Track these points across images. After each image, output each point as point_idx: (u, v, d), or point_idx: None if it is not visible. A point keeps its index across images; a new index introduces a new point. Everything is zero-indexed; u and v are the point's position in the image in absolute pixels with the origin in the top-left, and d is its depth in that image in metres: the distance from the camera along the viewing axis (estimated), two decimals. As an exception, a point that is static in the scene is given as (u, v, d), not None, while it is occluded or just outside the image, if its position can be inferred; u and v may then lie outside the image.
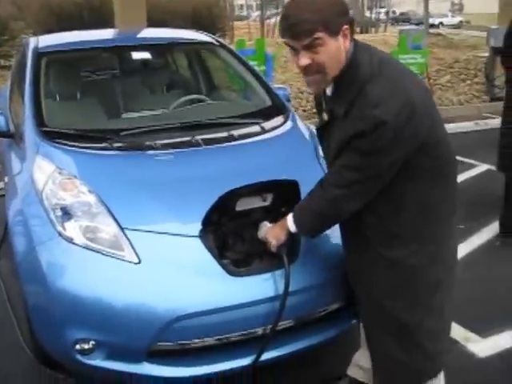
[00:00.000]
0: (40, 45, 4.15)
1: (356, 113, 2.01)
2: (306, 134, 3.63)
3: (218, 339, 2.59)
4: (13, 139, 3.61)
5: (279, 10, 29.39)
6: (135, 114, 4.00)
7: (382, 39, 17.64)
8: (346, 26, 2.02)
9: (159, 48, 4.80)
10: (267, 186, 2.68)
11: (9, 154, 3.60)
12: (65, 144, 3.21)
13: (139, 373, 2.53)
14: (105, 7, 12.30)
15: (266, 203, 2.70)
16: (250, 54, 7.86)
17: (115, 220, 2.67)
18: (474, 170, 6.65)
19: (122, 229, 2.64)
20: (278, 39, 15.19)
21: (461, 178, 6.11)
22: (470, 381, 3.09)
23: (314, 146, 3.37)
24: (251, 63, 4.99)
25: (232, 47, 5.29)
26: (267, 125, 3.63)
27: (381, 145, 1.97)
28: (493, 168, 5.32)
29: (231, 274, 2.57)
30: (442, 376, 2.36)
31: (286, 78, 11.42)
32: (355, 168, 2.06)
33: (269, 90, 4.14)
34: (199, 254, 2.59)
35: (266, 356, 2.60)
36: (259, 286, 2.58)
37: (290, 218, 2.38)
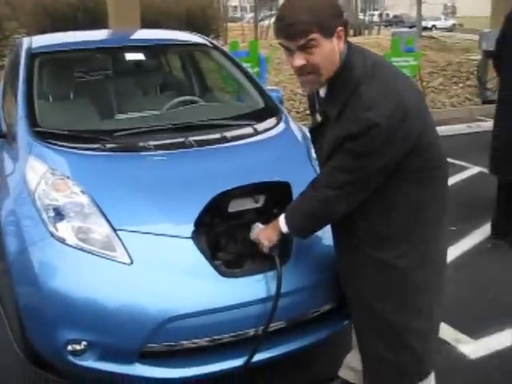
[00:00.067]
0: (33, 45, 4.14)
1: (349, 115, 2.02)
2: (299, 136, 3.64)
3: (210, 340, 2.59)
4: (5, 139, 3.60)
5: (273, 12, 29.42)
6: (128, 115, 4.00)
7: (375, 42, 17.66)
8: (340, 28, 2.04)
9: (153, 49, 4.80)
10: (259, 188, 2.68)
11: (1, 154, 3.59)
12: (57, 144, 3.20)
13: (131, 374, 2.53)
14: (99, 8, 12.25)
15: (258, 205, 2.71)
16: (244, 56, 7.87)
17: (108, 221, 2.67)
18: (465, 172, 6.69)
19: (114, 230, 2.64)
20: (272, 41, 15.22)
21: (453, 180, 6.14)
22: (461, 382, 3.10)
23: (306, 148, 3.38)
24: (244, 65, 5.00)
25: (226, 49, 5.29)
26: (260, 126, 3.64)
27: (373, 147, 1.99)
28: (485, 170, 5.35)
29: (223, 275, 2.58)
30: (432, 377, 2.37)
31: (279, 79, 11.43)
32: (347, 169, 2.07)
33: (262, 92, 4.14)
34: (191, 255, 2.60)
35: (257, 357, 2.60)
36: (251, 287, 2.58)
37: (281, 218, 2.39)
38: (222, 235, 2.69)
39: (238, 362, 2.60)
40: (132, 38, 5.01)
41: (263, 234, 2.52)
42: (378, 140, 1.97)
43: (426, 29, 32.54)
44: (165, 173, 3.11)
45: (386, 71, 2.12)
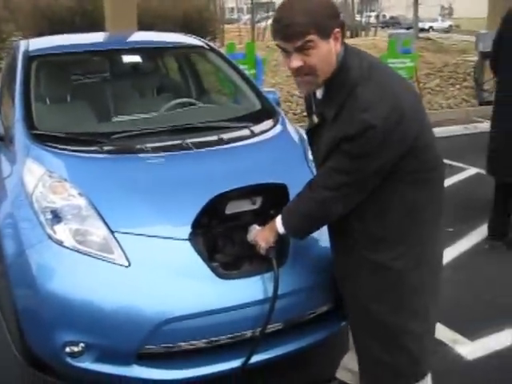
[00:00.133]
0: (31, 48, 4.15)
1: (345, 116, 2.03)
2: (296, 138, 3.65)
3: (208, 342, 2.60)
4: (3, 142, 3.60)
5: (270, 13, 29.43)
6: (126, 118, 4.00)
7: (372, 43, 17.68)
8: (337, 29, 2.05)
9: (149, 51, 4.81)
10: (256, 190, 2.70)
11: (-2, 156, 3.60)
12: (55, 147, 3.20)
13: (129, 375, 2.53)
14: (96, 11, 12.22)
15: (255, 206, 2.72)
16: (241, 58, 7.87)
17: (105, 223, 2.68)
18: (462, 173, 6.70)
19: (111, 232, 2.65)
20: (269, 43, 15.23)
21: (450, 181, 6.15)
22: (458, 383, 3.11)
23: (303, 149, 3.38)
24: (241, 67, 5.01)
25: (222, 50, 5.30)
26: (257, 128, 3.64)
27: (369, 148, 1.99)
28: (482, 172, 5.36)
29: (221, 276, 2.58)
30: (429, 378, 2.37)
31: (276, 81, 11.43)
32: (344, 171, 2.08)
33: (259, 94, 4.15)
34: (189, 256, 2.60)
35: (255, 358, 2.61)
36: (248, 289, 2.59)
37: (278, 219, 2.40)
38: (219, 237, 2.70)
39: (235, 364, 2.60)
40: (129, 40, 5.02)
41: (260, 236, 2.53)
42: (374, 142, 1.98)
43: (423, 30, 32.58)
44: (162, 175, 3.12)
45: (383, 73, 2.13)
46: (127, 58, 4.74)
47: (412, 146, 2.04)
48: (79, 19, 13.08)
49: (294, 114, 9.45)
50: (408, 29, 26.59)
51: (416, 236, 2.17)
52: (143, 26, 8.60)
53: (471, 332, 3.53)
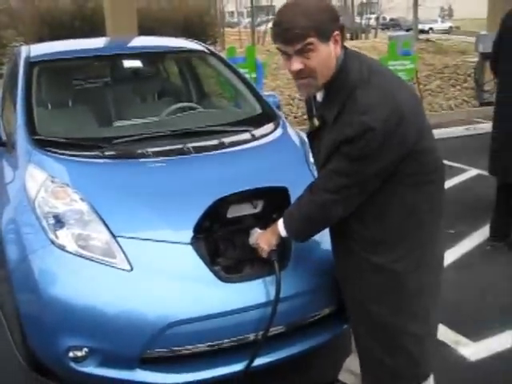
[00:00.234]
0: (32, 54, 4.16)
1: (345, 119, 2.04)
2: (297, 141, 3.65)
3: (210, 345, 2.60)
4: (5, 148, 3.62)
5: (270, 17, 29.45)
6: (127, 122, 4.01)
7: (372, 45, 17.69)
8: (336, 32, 2.06)
9: (150, 56, 4.83)
10: (258, 193, 2.70)
11: (1, 162, 3.61)
12: (57, 152, 3.22)
13: (132, 379, 2.54)
14: (96, 16, 12.25)
15: (257, 210, 2.73)
16: (241, 62, 7.88)
17: (107, 228, 2.69)
18: (463, 174, 6.69)
19: (114, 236, 2.66)
20: (269, 46, 15.24)
21: (451, 182, 6.15)
22: (461, 384, 3.11)
23: (304, 152, 3.40)
24: (242, 71, 5.02)
25: (223, 54, 5.31)
26: (257, 132, 3.66)
27: (369, 151, 2.00)
28: (483, 172, 5.36)
29: (223, 280, 2.59)
30: (431, 380, 2.37)
31: (276, 85, 11.44)
32: (344, 173, 2.09)
33: (259, 98, 4.16)
34: (191, 260, 2.61)
35: (258, 362, 2.62)
36: (250, 293, 2.60)
37: (280, 222, 2.40)
38: (221, 241, 2.71)
39: (238, 367, 2.61)
40: (129, 45, 5.04)
41: (262, 239, 2.54)
42: (373, 144, 1.98)
43: (423, 32, 32.53)
44: (164, 179, 3.13)
45: (382, 76, 2.13)
46: (128, 63, 4.76)
47: (412, 149, 2.05)
48: (79, 24, 13.11)
49: (295, 117, 9.46)
50: (408, 30, 26.57)
51: (416, 238, 2.17)
52: (143, 31, 8.62)
53: (474, 333, 3.52)
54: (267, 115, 3.94)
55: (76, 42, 4.91)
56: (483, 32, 10.77)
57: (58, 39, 5.24)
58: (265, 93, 4.65)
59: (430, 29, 42.22)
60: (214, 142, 3.47)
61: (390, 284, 2.18)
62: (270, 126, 3.77)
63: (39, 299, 2.56)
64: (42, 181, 2.95)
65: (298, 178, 2.92)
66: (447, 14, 58.66)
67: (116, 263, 2.57)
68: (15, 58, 4.40)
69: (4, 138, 3.65)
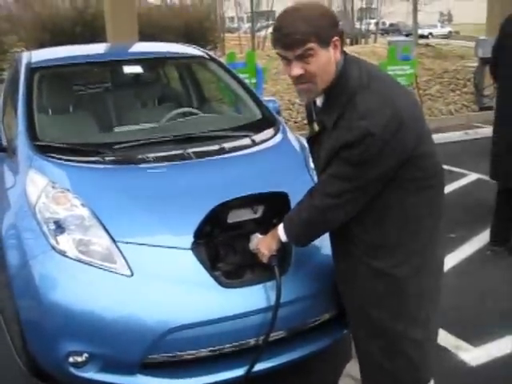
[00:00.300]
0: (33, 59, 4.17)
1: (345, 124, 2.04)
2: (297, 146, 3.66)
3: (211, 350, 2.60)
4: (6, 153, 3.62)
5: (270, 22, 29.46)
6: (127, 128, 4.02)
7: (372, 50, 17.71)
8: (336, 38, 2.07)
9: (151, 62, 4.85)
10: (258, 198, 2.71)
11: (1, 168, 3.62)
12: (58, 158, 3.22)
13: (133, 385, 2.54)
14: (97, 22, 12.26)
15: (257, 215, 2.73)
16: (241, 67, 7.90)
17: (108, 233, 2.69)
18: (463, 179, 6.69)
19: (114, 242, 2.66)
20: (269, 51, 15.26)
21: (451, 187, 6.16)
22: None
23: (304, 157, 3.40)
24: (242, 76, 5.03)
25: (223, 59, 5.32)
26: (258, 137, 3.66)
27: (368, 156, 2.01)
28: (483, 177, 5.36)
29: (223, 285, 2.59)
30: (432, 385, 2.38)
31: (276, 90, 11.45)
32: (344, 178, 2.09)
33: (259, 103, 4.18)
34: (191, 266, 2.62)
35: (258, 367, 2.62)
36: (251, 298, 2.60)
37: (280, 227, 2.40)
38: (221, 246, 2.71)
39: (238, 372, 2.61)
40: (130, 51, 5.05)
41: (262, 244, 2.54)
42: (373, 149, 1.99)
43: (422, 37, 32.60)
44: (164, 185, 3.13)
45: (382, 81, 2.14)
46: (129, 69, 4.76)
47: (411, 154, 2.05)
48: (80, 30, 13.13)
49: (295, 122, 9.47)
50: (407, 35, 26.64)
51: (416, 243, 2.17)
52: (144, 36, 8.64)
53: (474, 338, 3.52)
54: (267, 120, 3.95)
55: (77, 48, 4.92)
56: (482, 37, 10.79)
57: (59, 45, 5.27)
58: (265, 98, 4.66)
59: (430, 34, 42.33)
60: (215, 147, 3.47)
61: (390, 289, 2.18)
62: (270, 132, 3.77)
63: (40, 304, 2.56)
64: (42, 186, 2.95)
65: (298, 183, 2.93)
66: (447, 18, 58.80)
67: (116, 268, 2.57)
68: (16, 64, 4.41)
69: (5, 143, 3.66)
